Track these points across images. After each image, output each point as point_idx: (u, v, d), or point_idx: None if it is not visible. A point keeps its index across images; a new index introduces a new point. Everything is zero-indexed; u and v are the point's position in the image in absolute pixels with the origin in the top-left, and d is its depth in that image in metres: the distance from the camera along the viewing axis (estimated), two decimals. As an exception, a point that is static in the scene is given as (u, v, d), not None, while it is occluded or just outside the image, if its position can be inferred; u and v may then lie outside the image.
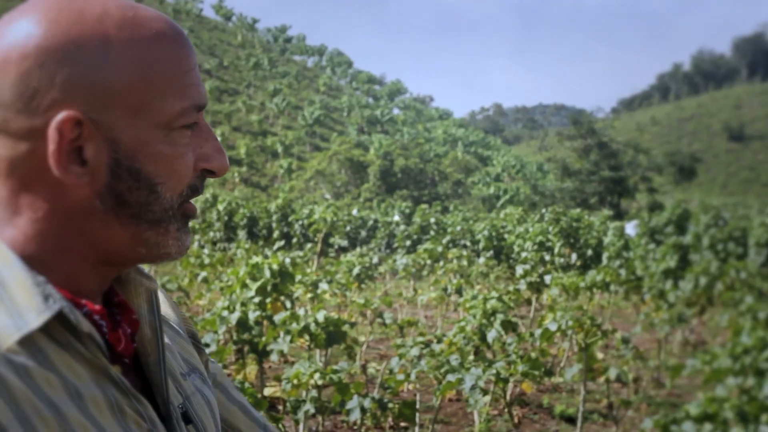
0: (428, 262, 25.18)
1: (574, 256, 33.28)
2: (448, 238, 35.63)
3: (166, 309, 1.61)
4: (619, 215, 50.61)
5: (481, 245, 35.26)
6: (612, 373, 9.59)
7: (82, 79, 1.22)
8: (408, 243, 35.71)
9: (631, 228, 35.98)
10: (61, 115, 1.21)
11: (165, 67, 1.29)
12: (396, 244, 36.08)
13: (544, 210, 44.63)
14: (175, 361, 1.51)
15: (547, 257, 32.45)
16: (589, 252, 33.91)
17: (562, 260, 32.68)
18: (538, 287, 18.73)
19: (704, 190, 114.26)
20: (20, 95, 1.21)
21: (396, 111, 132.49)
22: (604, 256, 32.11)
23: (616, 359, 11.86)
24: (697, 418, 5.24)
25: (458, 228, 36.95)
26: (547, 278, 18.40)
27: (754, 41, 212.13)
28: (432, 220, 38.14)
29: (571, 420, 10.38)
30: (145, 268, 1.51)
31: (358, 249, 32.64)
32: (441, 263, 24.15)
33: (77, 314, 1.23)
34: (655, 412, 10.55)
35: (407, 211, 43.49)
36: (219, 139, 1.43)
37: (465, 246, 35.27)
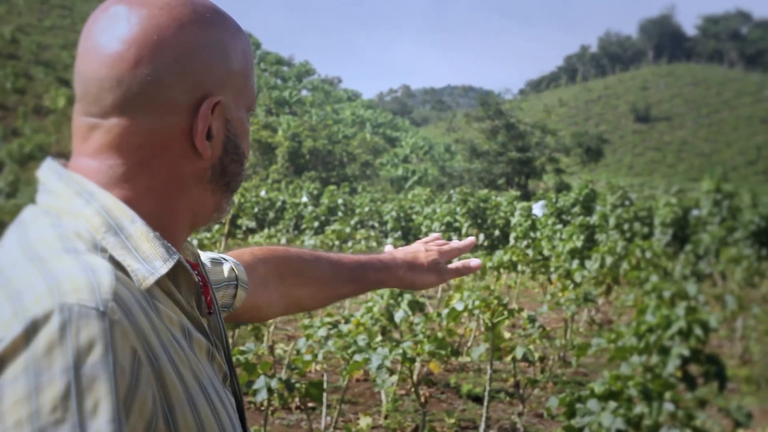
0: (336, 243, 25.13)
1: (481, 236, 33.49)
2: (356, 219, 35.67)
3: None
4: (527, 196, 50.95)
5: (389, 226, 35.38)
6: (519, 353, 9.62)
7: (217, 67, 1.47)
8: (316, 224, 35.66)
9: (538, 208, 36.23)
10: (212, 99, 1.45)
11: (249, 59, 1.56)
12: (304, 226, 36.02)
13: (451, 191, 44.89)
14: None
15: (455, 237, 32.52)
16: (497, 232, 34.17)
17: (469, 241, 32.83)
18: (446, 267, 18.79)
19: (611, 170, 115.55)
20: (175, 76, 1.42)
21: (304, 92, 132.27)
22: (512, 236, 32.33)
23: (522, 339, 11.91)
24: (601, 395, 5.27)
25: (366, 209, 37.02)
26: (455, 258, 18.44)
27: (660, 23, 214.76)
28: (340, 201, 38.14)
29: (478, 399, 10.41)
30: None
31: (266, 230, 32.48)
32: (349, 244, 24.15)
33: (189, 266, 1.45)
34: (562, 391, 10.60)
35: (315, 192, 43.46)
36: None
37: (373, 227, 35.35)
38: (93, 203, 1.39)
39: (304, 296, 2.21)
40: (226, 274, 1.96)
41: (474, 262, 2.36)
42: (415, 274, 2.31)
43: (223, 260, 1.99)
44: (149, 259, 1.36)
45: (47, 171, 1.46)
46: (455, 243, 2.42)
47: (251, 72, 1.56)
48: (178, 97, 1.42)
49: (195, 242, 1.83)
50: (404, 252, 2.36)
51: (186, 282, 1.46)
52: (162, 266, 1.37)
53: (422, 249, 2.36)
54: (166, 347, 1.30)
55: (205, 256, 1.94)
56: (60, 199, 1.41)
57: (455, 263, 2.37)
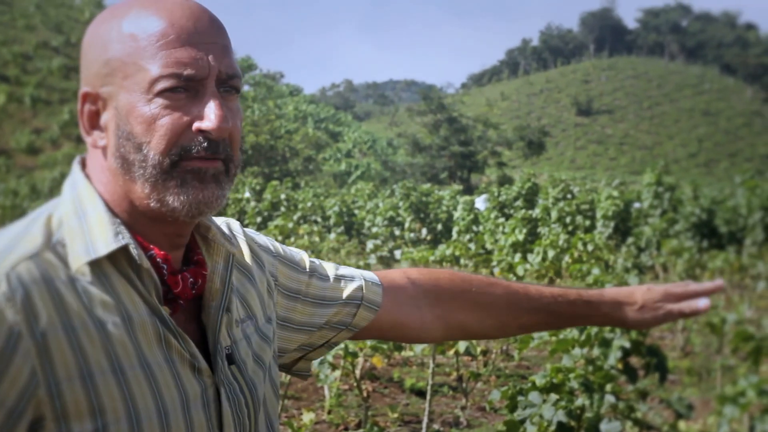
0: (279, 238, 25.05)
1: (424, 230, 33.58)
2: (299, 214, 35.58)
3: (250, 262, 1.84)
4: (469, 190, 51.11)
5: (332, 221, 35.34)
6: (461, 347, 9.62)
7: (94, 59, 1.55)
8: (259, 219, 35.52)
9: (480, 202, 36.37)
10: (81, 91, 1.55)
11: (145, 40, 1.52)
12: (247, 221, 35.84)
13: (394, 185, 44.88)
14: (236, 309, 1.71)
15: (398, 232, 32.68)
16: (440, 226, 34.26)
17: (412, 235, 32.93)
18: (388, 262, 18.85)
19: (553, 164, 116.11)
20: (82, 71, 1.59)
21: (246, 88, 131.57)
22: (454, 230, 32.46)
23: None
24: (543, 388, 5.28)
25: (309, 204, 36.94)
26: (398, 253, 18.55)
27: (601, 16, 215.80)
28: (283, 196, 38.02)
29: (421, 393, 10.41)
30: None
31: (208, 226, 32.31)
32: (292, 239, 24.10)
33: (140, 252, 1.49)
34: (504, 384, 10.62)
35: (258, 187, 43.29)
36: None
37: (316, 222, 35.28)
38: (72, 191, 1.56)
39: (470, 321, 2.15)
40: (348, 292, 1.97)
41: (702, 303, 2.17)
42: (625, 312, 2.21)
43: (353, 278, 2.00)
44: (95, 242, 1.46)
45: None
46: (694, 285, 2.23)
47: (150, 56, 1.51)
48: (85, 88, 1.57)
49: (265, 240, 1.94)
50: (617, 290, 2.26)
51: (147, 272, 1.51)
52: (102, 248, 1.46)
53: (643, 288, 2.24)
54: (70, 325, 1.37)
55: (333, 271, 1.99)
56: (65, 187, 1.59)
57: (680, 304, 2.19)
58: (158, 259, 1.55)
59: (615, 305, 2.20)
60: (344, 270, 2.02)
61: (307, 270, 1.94)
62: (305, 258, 1.97)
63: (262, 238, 1.92)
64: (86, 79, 1.55)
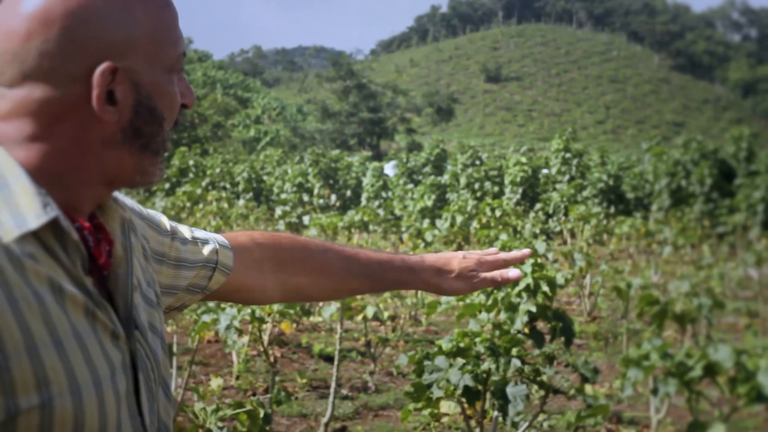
0: (188, 204, 24.93)
1: (333, 197, 33.61)
2: (207, 180, 35.44)
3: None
4: (379, 156, 51.27)
5: (241, 187, 35.25)
6: (369, 312, 9.64)
7: (114, 34, 1.48)
8: (167, 186, 35.31)
9: (389, 168, 36.49)
10: (104, 66, 1.46)
11: (166, 22, 1.56)
12: (155, 187, 35.60)
13: (303, 152, 44.80)
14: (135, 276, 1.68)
15: (307, 198, 32.69)
16: (349, 193, 34.31)
17: (321, 201, 32.96)
18: (297, 228, 18.80)
19: (462, 130, 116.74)
20: (66, 47, 1.45)
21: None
22: (363, 196, 32.53)
23: (373, 298, 11.96)
24: (449, 352, 5.29)
25: (218, 170, 36.79)
26: (306, 219, 18.53)
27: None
28: (191, 162, 37.83)
29: (329, 359, 10.41)
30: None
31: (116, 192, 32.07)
32: (200, 206, 23.95)
33: (69, 224, 1.44)
34: (412, 349, 10.66)
35: (166, 154, 43.06)
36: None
37: (225, 188, 35.15)
38: None
39: (306, 284, 2.20)
40: (205, 254, 1.99)
41: (512, 272, 2.28)
42: (443, 279, 2.28)
43: (207, 241, 2.02)
44: (23, 213, 1.40)
45: None
46: (503, 254, 2.34)
47: (167, 34, 1.57)
48: (71, 67, 1.46)
49: (131, 202, 1.88)
50: (436, 256, 2.31)
51: (73, 244, 1.46)
52: (33, 221, 1.40)
53: (458, 256, 2.31)
54: (12, 298, 1.33)
55: (189, 233, 2.01)
56: None
57: (492, 273, 2.28)
58: (85, 232, 1.54)
59: (434, 272, 2.27)
60: (199, 233, 2.05)
61: (169, 232, 1.94)
62: (164, 220, 1.96)
63: (128, 200, 1.87)
64: (96, 52, 1.48)
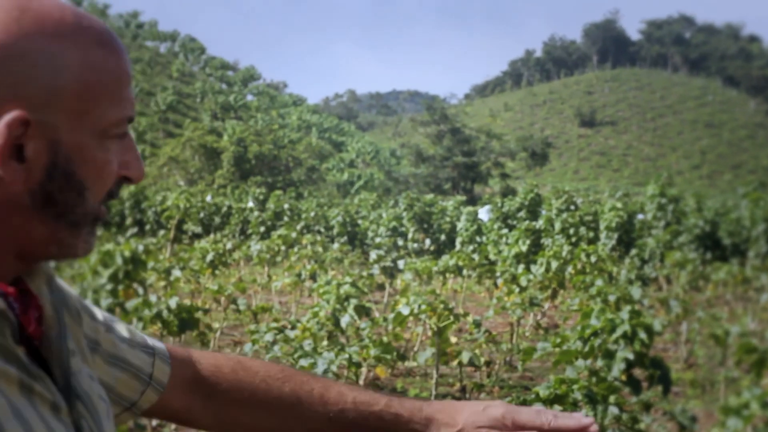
0: (282, 248, 25.08)
1: (427, 241, 33.59)
2: (302, 224, 35.58)
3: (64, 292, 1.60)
4: (473, 200, 51.10)
5: (336, 231, 35.32)
6: (465, 357, 9.65)
7: (33, 80, 1.27)
8: (262, 229, 35.51)
9: (484, 213, 36.36)
10: (11, 114, 1.24)
11: (108, 76, 1.35)
12: (250, 231, 35.86)
13: (398, 196, 44.87)
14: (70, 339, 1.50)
15: (401, 242, 32.67)
16: (443, 237, 34.24)
17: (415, 245, 32.93)
18: (391, 272, 18.84)
19: (556, 175, 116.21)
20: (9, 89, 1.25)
21: (250, 97, 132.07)
22: (458, 241, 32.44)
23: (468, 343, 11.94)
24: (546, 399, 5.29)
25: (312, 214, 36.94)
26: (401, 263, 18.54)
27: (605, 27, 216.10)
28: (286, 206, 38.02)
29: (424, 404, 10.40)
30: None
31: (211, 235, 32.39)
32: (295, 249, 24.09)
33: None
34: (508, 395, 10.64)
35: (261, 197, 43.31)
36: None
37: (319, 232, 35.26)
38: None
39: (245, 420, 1.83)
40: (139, 362, 1.72)
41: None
42: None
43: (146, 347, 1.74)
44: None
45: None
46: (565, 421, 1.69)
47: (106, 90, 1.35)
48: None
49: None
50: (443, 406, 1.82)
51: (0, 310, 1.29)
52: None
53: (479, 408, 1.77)
54: None
55: (129, 335, 1.73)
56: None
57: None
58: (9, 298, 1.35)
59: (427, 423, 1.79)
60: (140, 336, 1.76)
61: (102, 321, 1.68)
62: (96, 310, 1.70)
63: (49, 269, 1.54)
64: (8, 97, 1.26)
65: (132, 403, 1.71)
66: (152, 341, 1.77)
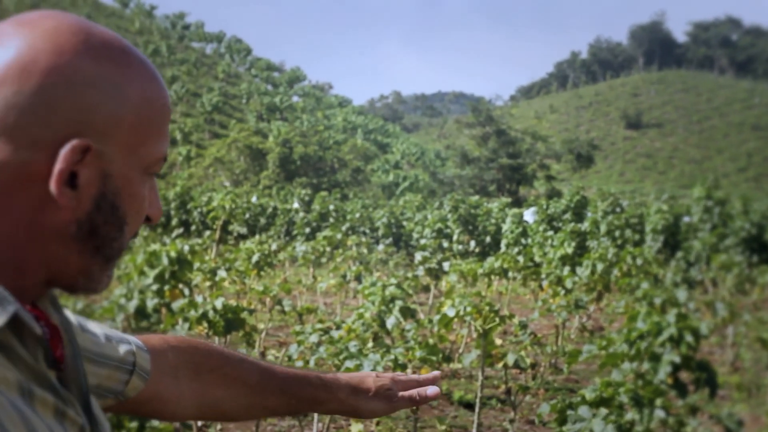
0: (328, 249, 25.15)
1: (472, 242, 33.54)
2: (347, 225, 35.63)
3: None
4: (518, 202, 50.98)
5: (381, 232, 35.37)
6: (510, 359, 9.64)
7: (98, 107, 1.26)
8: (307, 230, 35.60)
9: (529, 215, 36.29)
10: (76, 141, 1.24)
11: (158, 112, 1.35)
12: (295, 232, 35.96)
13: (443, 197, 44.84)
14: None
15: (446, 244, 32.64)
16: (488, 239, 34.19)
17: (460, 247, 32.90)
18: (436, 274, 18.83)
19: (602, 177, 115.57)
20: (39, 106, 1.23)
21: (295, 98, 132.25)
22: (503, 242, 32.37)
23: (514, 345, 11.92)
24: (592, 402, 5.29)
25: (357, 215, 37.00)
26: (446, 265, 18.53)
27: (651, 29, 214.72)
28: (331, 207, 38.11)
29: (469, 406, 10.42)
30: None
31: (257, 236, 32.42)
32: (340, 250, 24.14)
33: (30, 317, 1.24)
34: (553, 397, 10.62)
35: (306, 198, 43.44)
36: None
37: (364, 233, 35.31)
38: None
39: (225, 398, 1.91)
40: (120, 354, 1.70)
41: (431, 390, 2.08)
42: (359, 399, 2.04)
43: (122, 340, 1.73)
44: None
45: None
46: (414, 375, 2.15)
47: (156, 127, 1.36)
48: (40, 131, 1.24)
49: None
50: (350, 375, 2.08)
51: (30, 334, 1.26)
52: None
53: (372, 375, 2.09)
54: None
55: (100, 329, 1.70)
56: None
57: (409, 392, 2.08)
58: (40, 322, 1.33)
59: (350, 391, 2.04)
60: (111, 331, 1.74)
61: (76, 324, 1.62)
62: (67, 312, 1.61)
63: None
64: (72, 123, 1.26)
65: (117, 393, 1.71)
66: (126, 335, 1.77)
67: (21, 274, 1.28)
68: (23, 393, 1.20)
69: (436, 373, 2.16)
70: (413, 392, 2.07)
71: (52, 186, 1.24)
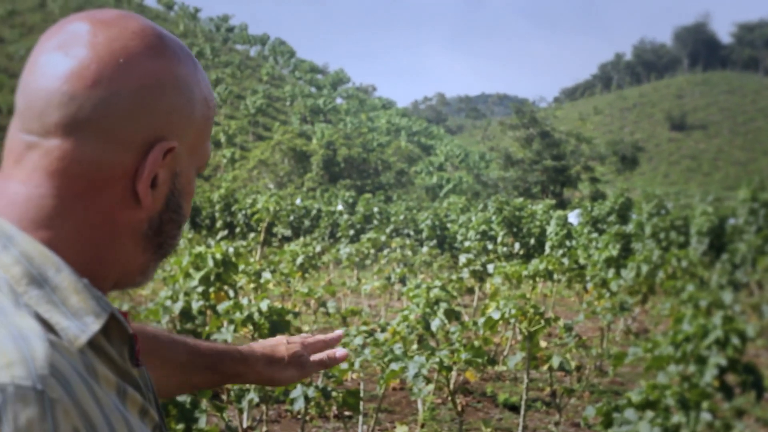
0: (372, 251, 25.19)
1: (517, 245, 33.44)
2: (391, 227, 35.68)
3: None
4: (562, 204, 50.87)
5: (425, 234, 35.35)
6: (555, 362, 9.62)
7: (178, 109, 1.30)
8: (351, 232, 35.68)
9: (573, 217, 36.18)
10: (166, 143, 1.28)
11: (212, 115, 1.40)
12: (339, 234, 36.05)
13: (487, 199, 44.76)
14: None
15: (490, 246, 32.57)
16: (532, 241, 34.09)
17: (505, 249, 32.82)
18: (481, 276, 18.80)
19: (646, 179, 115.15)
20: (135, 108, 1.25)
21: (339, 100, 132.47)
22: (547, 245, 32.28)
23: (559, 347, 11.90)
24: (638, 405, 5.28)
25: (401, 217, 37.01)
26: (490, 267, 18.49)
27: (695, 30, 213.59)
28: (375, 209, 38.14)
29: (514, 408, 10.42)
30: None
31: (301, 238, 32.51)
32: (384, 252, 24.19)
33: (123, 318, 1.28)
34: (598, 400, 10.60)
35: (350, 200, 43.47)
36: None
37: (408, 235, 35.33)
38: (11, 249, 1.20)
39: (158, 379, 1.75)
40: None
41: (339, 352, 2.19)
42: (275, 369, 2.07)
43: None
44: (79, 314, 1.20)
45: None
46: (320, 336, 2.23)
47: (209, 130, 1.41)
48: (131, 131, 1.25)
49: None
50: (263, 345, 2.11)
51: (119, 335, 1.28)
52: (94, 322, 1.20)
53: (283, 341, 2.13)
54: (108, 418, 1.16)
55: None
56: None
57: (320, 354, 2.18)
58: (126, 321, 1.32)
59: (265, 362, 2.08)
60: None
61: None
62: None
63: None
64: (161, 125, 1.29)
65: None
66: None
67: (102, 272, 1.30)
68: (119, 392, 1.24)
69: (339, 332, 2.27)
70: (323, 356, 2.18)
71: (140, 186, 1.27)
